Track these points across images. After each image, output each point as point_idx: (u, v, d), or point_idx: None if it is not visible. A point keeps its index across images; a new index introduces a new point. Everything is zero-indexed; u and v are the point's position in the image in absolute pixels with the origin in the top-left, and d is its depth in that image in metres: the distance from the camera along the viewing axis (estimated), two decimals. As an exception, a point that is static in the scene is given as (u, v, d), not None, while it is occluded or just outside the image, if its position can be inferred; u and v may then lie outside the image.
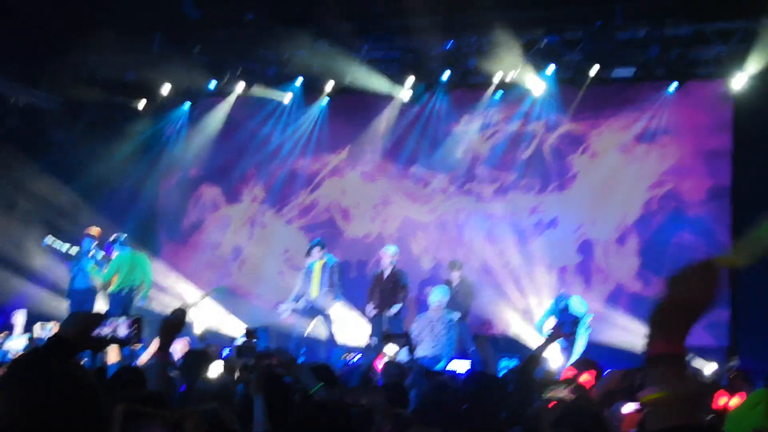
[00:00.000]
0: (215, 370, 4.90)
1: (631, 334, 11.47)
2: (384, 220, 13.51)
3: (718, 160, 11.96)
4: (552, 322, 10.29)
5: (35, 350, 2.62)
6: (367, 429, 3.17)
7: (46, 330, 7.87)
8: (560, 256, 12.45)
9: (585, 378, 5.40)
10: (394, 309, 11.02)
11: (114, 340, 2.66)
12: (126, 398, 2.11)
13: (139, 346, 5.59)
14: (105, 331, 2.60)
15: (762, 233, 1.71)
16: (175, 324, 3.27)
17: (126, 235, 11.55)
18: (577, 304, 10.39)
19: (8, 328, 9.78)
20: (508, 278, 12.35)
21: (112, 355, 6.18)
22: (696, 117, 12.14)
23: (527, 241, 12.54)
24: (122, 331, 2.64)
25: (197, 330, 6.34)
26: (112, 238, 11.45)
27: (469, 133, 13.24)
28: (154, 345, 3.38)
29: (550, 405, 4.28)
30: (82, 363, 3.14)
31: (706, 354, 10.52)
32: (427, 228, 13.26)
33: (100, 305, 11.26)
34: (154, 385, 3.46)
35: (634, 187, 12.31)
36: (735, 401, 5.33)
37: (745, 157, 11.75)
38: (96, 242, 11.46)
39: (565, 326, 6.42)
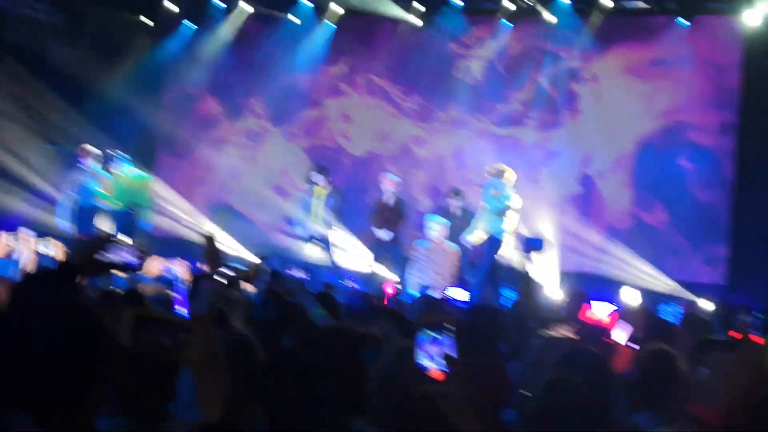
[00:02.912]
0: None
1: (630, 266, 11.59)
2: (385, 145, 13.43)
3: (726, 95, 11.85)
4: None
5: (42, 274, 2.62)
6: (376, 358, 3.18)
7: (48, 246, 7.86)
8: (563, 187, 12.42)
9: (589, 314, 5.43)
10: (391, 235, 11.05)
11: (120, 265, 2.63)
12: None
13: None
14: (112, 256, 2.57)
15: None
16: (212, 250, 3.37)
17: (128, 156, 11.49)
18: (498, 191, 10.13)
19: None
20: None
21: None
22: (707, 52, 11.99)
23: (530, 172, 12.49)
24: (129, 257, 2.62)
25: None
26: (113, 157, 11.37)
27: (476, 61, 13.09)
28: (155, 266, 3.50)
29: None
30: (88, 288, 3.15)
31: (703, 291, 10.62)
32: (428, 156, 13.21)
33: (102, 224, 11.26)
34: (203, 308, 3.55)
35: (640, 119, 12.23)
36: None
37: (755, 94, 11.64)
38: (94, 161, 11.36)
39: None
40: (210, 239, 3.72)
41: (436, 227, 10.28)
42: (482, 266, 9.93)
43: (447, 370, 1.83)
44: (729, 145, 11.81)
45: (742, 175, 11.65)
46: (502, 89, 12.98)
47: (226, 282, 5.02)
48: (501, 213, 9.82)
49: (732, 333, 5.36)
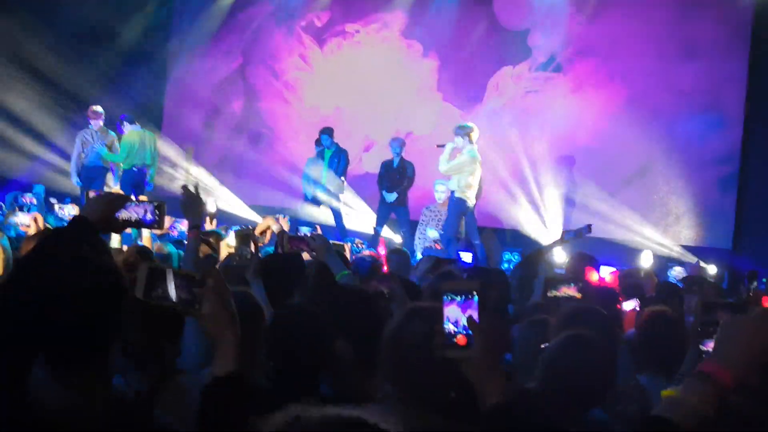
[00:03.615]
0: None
1: (636, 230, 11.63)
2: (390, 103, 13.37)
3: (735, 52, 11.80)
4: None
5: (59, 230, 2.63)
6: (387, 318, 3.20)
7: (64, 210, 7.88)
8: (568, 147, 12.38)
9: (592, 276, 5.47)
10: (395, 197, 11.09)
11: (138, 223, 2.61)
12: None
13: (162, 231, 5.65)
14: (129, 214, 2.58)
15: None
16: (188, 202, 3.27)
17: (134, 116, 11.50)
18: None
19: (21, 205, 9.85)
20: (516, 172, 12.32)
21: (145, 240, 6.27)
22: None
23: (537, 134, 12.45)
24: (146, 215, 2.61)
25: (210, 208, 6.36)
26: (121, 116, 11.40)
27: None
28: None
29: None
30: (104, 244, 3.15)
31: (710, 255, 10.64)
32: (434, 117, 13.17)
33: (110, 183, 11.33)
34: (190, 264, 3.53)
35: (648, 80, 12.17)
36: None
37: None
38: (102, 121, 11.37)
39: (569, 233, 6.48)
40: (188, 190, 3.59)
41: (442, 189, 10.39)
42: (447, 223, 9.98)
43: (469, 334, 1.84)
44: (739, 109, 11.74)
45: (750, 140, 11.61)
46: (506, 51, 12.90)
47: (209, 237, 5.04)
48: (460, 170, 9.83)
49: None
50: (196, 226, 3.62)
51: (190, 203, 3.42)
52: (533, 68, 12.78)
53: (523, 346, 3.58)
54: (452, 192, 9.91)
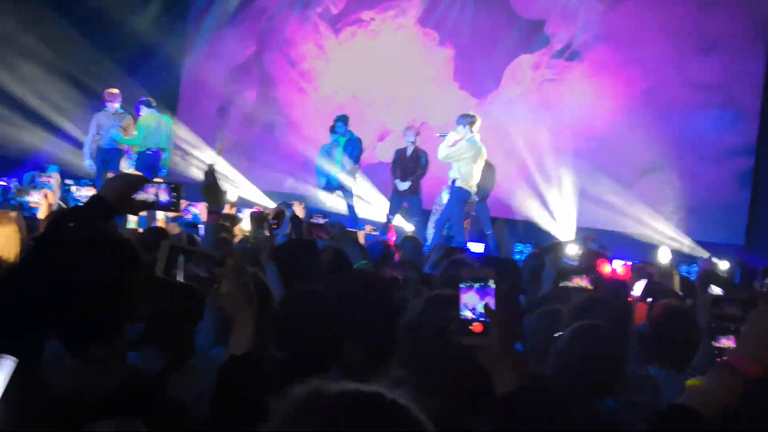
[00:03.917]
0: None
1: (648, 224, 11.61)
2: (406, 91, 13.36)
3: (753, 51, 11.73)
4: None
5: (76, 207, 2.64)
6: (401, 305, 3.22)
7: (81, 191, 7.89)
8: (581, 140, 12.35)
9: (604, 268, 5.47)
10: (409, 185, 11.09)
11: (155, 205, 2.62)
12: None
13: (177, 214, 5.67)
14: (146, 195, 2.58)
15: None
16: (209, 185, 3.26)
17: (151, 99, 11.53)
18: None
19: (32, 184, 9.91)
20: (530, 162, 12.30)
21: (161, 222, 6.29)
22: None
23: (553, 124, 12.42)
24: (163, 196, 2.63)
25: (231, 196, 6.37)
26: (138, 100, 11.45)
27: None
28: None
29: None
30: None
31: (722, 251, 10.60)
32: (450, 106, 13.15)
33: (124, 166, 11.38)
34: (208, 247, 3.52)
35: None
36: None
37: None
38: (118, 104, 11.42)
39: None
40: (212, 174, 3.56)
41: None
42: (451, 211, 10.01)
43: (486, 321, 1.86)
44: (755, 104, 11.68)
45: (766, 136, 11.55)
46: (521, 43, 12.88)
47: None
48: (458, 158, 9.84)
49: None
50: (215, 211, 3.63)
51: (212, 188, 3.40)
52: (550, 56, 12.74)
53: (535, 335, 3.60)
54: (453, 181, 9.93)
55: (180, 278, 2.00)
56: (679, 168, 11.83)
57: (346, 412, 1.14)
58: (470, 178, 9.83)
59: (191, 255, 2.00)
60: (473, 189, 9.93)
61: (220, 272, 1.97)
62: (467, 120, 9.95)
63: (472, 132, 9.87)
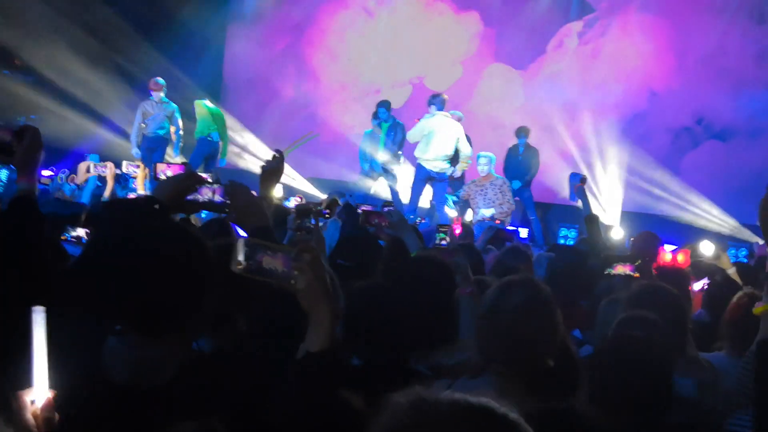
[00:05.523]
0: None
1: (693, 207, 11.47)
2: (447, 76, 13.30)
3: None
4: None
5: (131, 201, 2.66)
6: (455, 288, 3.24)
7: (99, 169, 7.89)
8: (625, 123, 12.22)
9: (665, 256, 5.43)
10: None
11: (209, 205, 2.63)
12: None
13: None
14: (202, 197, 2.57)
15: None
16: (274, 171, 3.23)
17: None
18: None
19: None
20: (575, 147, 12.20)
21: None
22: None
23: (598, 109, 12.31)
24: (217, 197, 2.61)
25: (277, 193, 6.35)
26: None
27: None
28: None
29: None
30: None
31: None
32: (491, 91, 13.09)
33: (170, 153, 11.50)
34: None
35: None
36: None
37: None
38: (162, 92, 11.53)
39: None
40: (278, 159, 3.31)
41: (484, 161, 10.39)
42: (412, 189, 10.50)
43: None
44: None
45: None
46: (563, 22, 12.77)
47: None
48: (417, 137, 10.34)
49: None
50: (266, 194, 3.42)
51: (273, 174, 3.29)
52: (594, 24, 12.63)
53: (601, 323, 3.60)
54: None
55: (257, 274, 1.99)
56: (728, 144, 11.66)
57: (458, 425, 1.12)
58: (422, 154, 10.27)
59: (266, 249, 1.98)
60: (433, 166, 10.29)
61: (297, 267, 1.92)
62: (433, 99, 10.43)
63: (434, 109, 10.28)
